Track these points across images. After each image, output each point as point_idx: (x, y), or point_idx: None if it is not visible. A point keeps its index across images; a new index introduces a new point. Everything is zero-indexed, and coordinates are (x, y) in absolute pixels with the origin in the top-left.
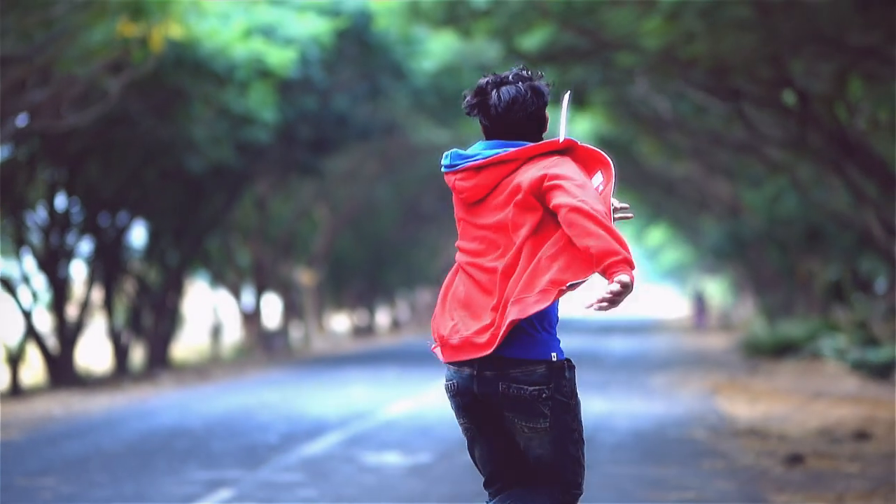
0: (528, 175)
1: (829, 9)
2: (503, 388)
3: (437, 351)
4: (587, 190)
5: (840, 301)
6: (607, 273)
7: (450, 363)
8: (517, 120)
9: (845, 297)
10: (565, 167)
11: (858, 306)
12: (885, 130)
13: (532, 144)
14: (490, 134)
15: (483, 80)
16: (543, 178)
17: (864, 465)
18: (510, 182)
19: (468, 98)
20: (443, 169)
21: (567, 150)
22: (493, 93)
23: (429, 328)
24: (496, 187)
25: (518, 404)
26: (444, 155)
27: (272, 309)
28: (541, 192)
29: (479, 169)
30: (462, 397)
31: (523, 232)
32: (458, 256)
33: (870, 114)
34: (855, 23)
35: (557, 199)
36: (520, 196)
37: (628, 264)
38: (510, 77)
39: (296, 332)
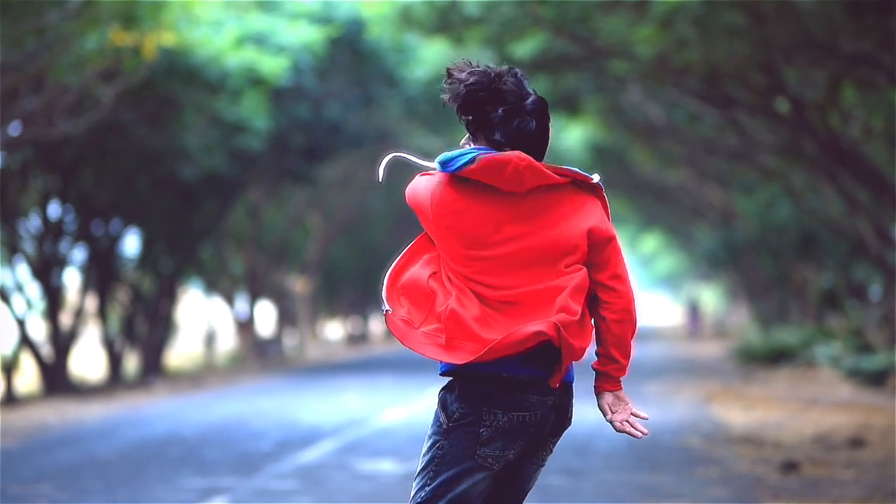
0: (585, 222)
1: (821, 16)
2: (570, 416)
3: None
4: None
5: (834, 308)
6: (604, 372)
7: (532, 394)
8: (544, 125)
9: (839, 305)
10: (612, 226)
11: (853, 313)
12: (879, 138)
13: (578, 171)
14: (492, 137)
15: (484, 67)
16: (606, 235)
17: (860, 472)
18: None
19: (468, 78)
20: (455, 169)
21: (596, 191)
22: (511, 81)
23: None
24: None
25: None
26: (456, 158)
27: (266, 317)
28: (594, 246)
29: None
30: (535, 429)
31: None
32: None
33: (863, 121)
34: (847, 29)
35: (612, 282)
36: (578, 247)
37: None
38: (515, 72)
39: (290, 340)
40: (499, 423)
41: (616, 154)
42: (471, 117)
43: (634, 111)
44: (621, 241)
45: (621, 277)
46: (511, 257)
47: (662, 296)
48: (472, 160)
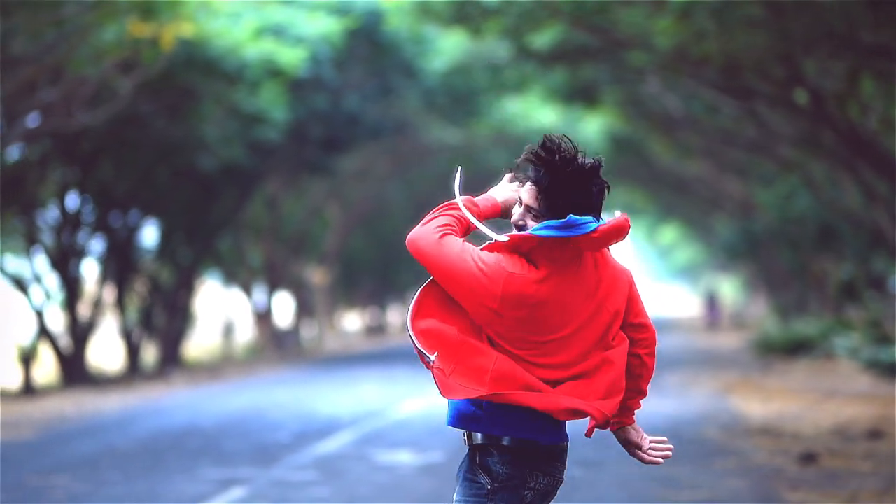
0: (622, 281)
1: (840, 7)
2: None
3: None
4: None
5: (853, 300)
6: (630, 406)
7: (560, 461)
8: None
9: (858, 296)
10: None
11: (871, 305)
12: None
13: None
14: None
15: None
16: (631, 282)
17: (878, 464)
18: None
19: (569, 165)
20: (578, 233)
21: None
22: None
23: None
24: None
25: None
26: (583, 224)
27: (284, 308)
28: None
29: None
30: (554, 493)
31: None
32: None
33: (882, 112)
34: (866, 21)
35: (641, 319)
36: (620, 312)
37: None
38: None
39: (308, 331)
40: (539, 485)
41: (634, 145)
42: (558, 198)
43: (653, 102)
44: (639, 232)
45: (644, 312)
46: (574, 338)
47: (680, 287)
48: (596, 226)
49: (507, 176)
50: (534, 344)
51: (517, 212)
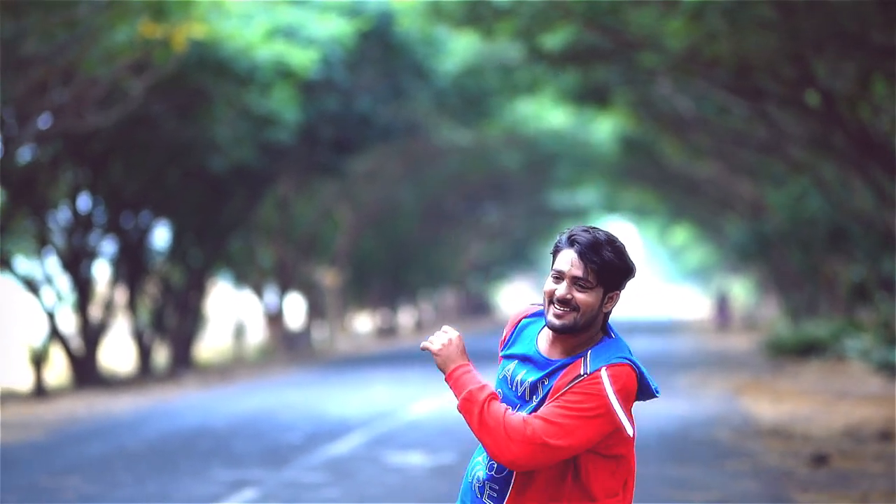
0: None
1: (851, 8)
2: None
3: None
4: None
5: (864, 301)
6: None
7: None
8: None
9: (869, 298)
10: None
11: (882, 306)
12: None
13: None
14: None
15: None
16: None
17: (889, 465)
18: None
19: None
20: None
21: None
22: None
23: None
24: None
25: None
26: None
27: (295, 309)
28: None
29: None
30: None
31: None
32: None
33: (893, 114)
34: (878, 22)
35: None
36: None
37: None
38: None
39: (319, 333)
40: None
41: (645, 146)
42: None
43: (664, 103)
44: (650, 233)
45: None
46: None
47: (691, 289)
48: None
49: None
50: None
51: None
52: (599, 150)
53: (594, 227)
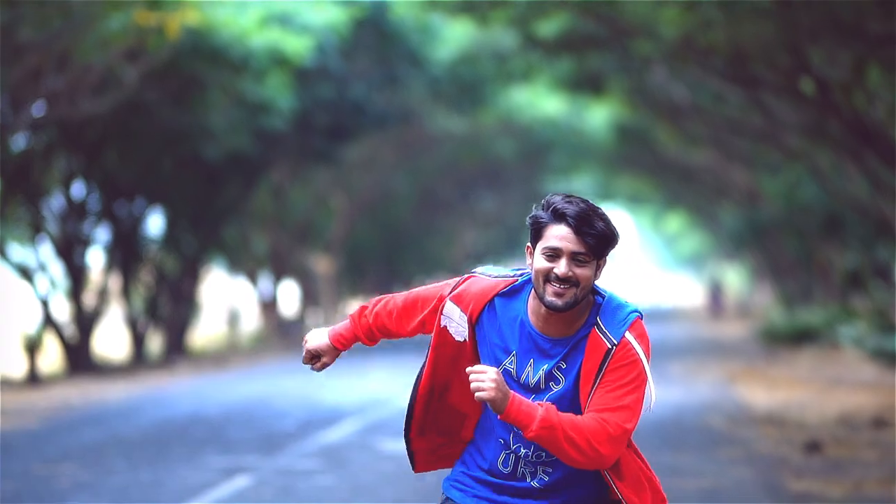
0: None
1: None
2: None
3: None
4: None
5: (858, 289)
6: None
7: None
8: None
9: (863, 285)
10: None
11: (877, 294)
12: None
13: None
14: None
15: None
16: None
17: (883, 453)
18: None
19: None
20: None
21: None
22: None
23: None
24: None
25: None
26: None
27: (289, 296)
28: None
29: None
30: None
31: None
32: None
33: (888, 102)
34: (873, 10)
35: None
36: None
37: None
38: None
39: (313, 320)
40: None
41: (641, 134)
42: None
43: (659, 91)
44: (645, 221)
45: None
46: None
47: (686, 276)
48: None
49: None
50: None
51: None
52: (594, 138)
53: (571, 196)
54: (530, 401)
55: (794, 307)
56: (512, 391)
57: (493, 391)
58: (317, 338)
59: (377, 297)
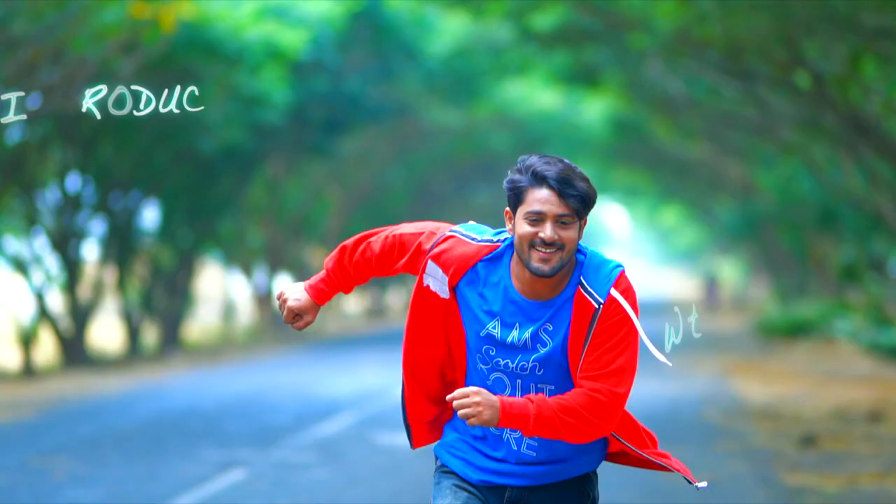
0: None
1: None
2: None
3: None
4: None
5: (854, 282)
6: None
7: None
8: None
9: (859, 279)
10: None
11: (872, 287)
12: None
13: None
14: None
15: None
16: None
17: (878, 446)
18: None
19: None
20: None
21: None
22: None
23: None
24: None
25: None
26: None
27: None
28: None
29: None
30: None
31: None
32: None
33: (884, 95)
34: (869, 3)
35: None
36: None
37: None
38: None
39: None
40: None
41: (636, 127)
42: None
43: (655, 85)
44: (640, 215)
45: None
46: None
47: (681, 270)
48: None
49: None
50: None
51: None
52: (590, 131)
53: (547, 157)
54: (516, 398)
55: (789, 301)
56: (497, 395)
57: (484, 411)
58: (295, 294)
59: (352, 241)
